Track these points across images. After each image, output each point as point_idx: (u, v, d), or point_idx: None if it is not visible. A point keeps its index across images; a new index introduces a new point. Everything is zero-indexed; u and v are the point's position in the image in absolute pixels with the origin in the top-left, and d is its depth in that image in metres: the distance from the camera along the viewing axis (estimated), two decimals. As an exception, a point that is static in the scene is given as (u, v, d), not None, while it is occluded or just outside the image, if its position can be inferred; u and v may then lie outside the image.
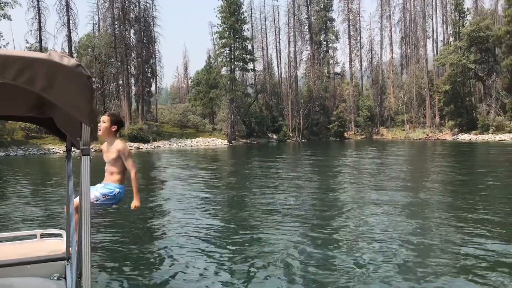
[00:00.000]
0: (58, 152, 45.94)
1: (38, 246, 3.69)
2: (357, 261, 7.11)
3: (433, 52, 77.89)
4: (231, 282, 6.39)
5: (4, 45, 54.09)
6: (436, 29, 79.84)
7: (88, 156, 1.72)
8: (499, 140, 54.50)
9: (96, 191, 4.75)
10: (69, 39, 60.03)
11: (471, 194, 14.25)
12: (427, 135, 68.94)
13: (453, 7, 67.03)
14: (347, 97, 79.31)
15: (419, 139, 67.63)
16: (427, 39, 77.82)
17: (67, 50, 59.36)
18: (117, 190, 4.92)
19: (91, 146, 2.74)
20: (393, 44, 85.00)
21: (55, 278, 3.20)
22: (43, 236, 4.01)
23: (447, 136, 65.57)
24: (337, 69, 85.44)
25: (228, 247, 8.30)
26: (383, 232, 9.09)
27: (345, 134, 76.70)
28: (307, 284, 6.17)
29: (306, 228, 9.77)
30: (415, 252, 7.58)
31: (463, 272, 6.56)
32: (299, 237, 8.82)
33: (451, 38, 69.47)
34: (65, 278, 3.22)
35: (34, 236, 3.96)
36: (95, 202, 4.62)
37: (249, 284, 6.28)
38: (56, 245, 3.76)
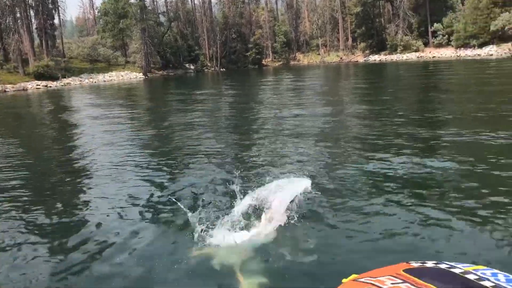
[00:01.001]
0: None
1: None
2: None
3: (345, -27, 78.22)
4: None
5: None
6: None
7: None
8: (406, 59, 57.70)
9: None
10: None
11: (374, 104, 15.15)
12: (341, 58, 71.06)
13: None
14: (263, 23, 78.44)
15: (334, 62, 69.64)
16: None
17: None
18: None
19: None
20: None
21: None
22: None
23: (359, 58, 68.09)
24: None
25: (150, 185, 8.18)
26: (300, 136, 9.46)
27: (263, 62, 76.76)
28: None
29: (230, 154, 9.86)
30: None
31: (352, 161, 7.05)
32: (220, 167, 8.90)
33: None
34: None
35: None
36: None
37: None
38: None
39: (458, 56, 53.27)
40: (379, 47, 66.22)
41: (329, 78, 37.74)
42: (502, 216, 5.39)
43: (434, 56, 56.86)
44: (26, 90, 46.26)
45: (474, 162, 7.61)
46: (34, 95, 39.94)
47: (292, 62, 76.74)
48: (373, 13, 68.59)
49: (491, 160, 7.73)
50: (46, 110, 25.48)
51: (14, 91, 45.19)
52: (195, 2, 78.96)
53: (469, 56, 51.37)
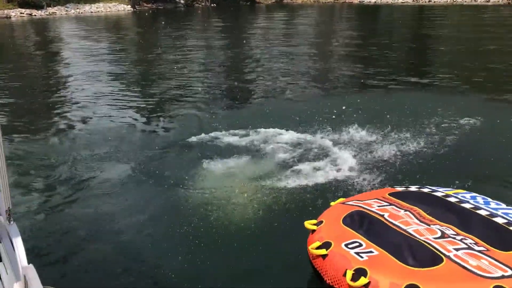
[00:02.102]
0: None
1: None
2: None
3: None
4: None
5: None
6: None
7: None
8: (402, 3, 56.44)
9: None
10: None
11: (362, 47, 15.16)
12: (336, -2, 69.10)
13: None
14: (257, -43, 75.13)
15: (328, 2, 67.76)
16: None
17: None
18: None
19: None
20: None
21: None
22: None
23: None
24: None
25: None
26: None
27: (256, -2, 74.31)
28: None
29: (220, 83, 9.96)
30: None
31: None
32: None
33: None
34: None
35: None
36: None
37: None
38: None
39: (454, 1, 52.24)
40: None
41: (322, 19, 37.01)
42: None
43: (430, 0, 55.67)
44: (10, 18, 44.68)
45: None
46: (17, 23, 38.70)
47: (285, 1, 74.46)
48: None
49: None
50: (30, 40, 24.85)
51: (-4, 19, 43.63)
52: None
53: (466, 1, 50.43)
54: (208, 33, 26.32)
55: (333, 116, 7.19)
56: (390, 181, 4.99)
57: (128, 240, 4.26)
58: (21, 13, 46.75)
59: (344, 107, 7.71)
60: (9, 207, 2.04)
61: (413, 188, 4.10)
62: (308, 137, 6.50)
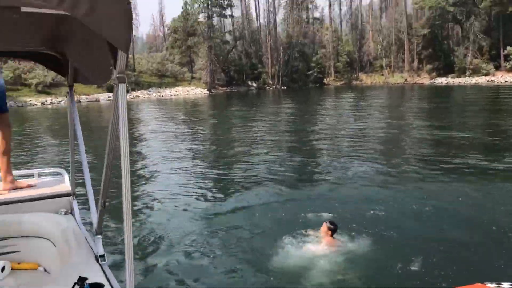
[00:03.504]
0: (35, 104, 45.15)
1: (38, 184, 3.63)
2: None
3: (413, -6, 76.98)
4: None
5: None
6: (416, -30, 78.41)
7: (124, 84, 1.63)
8: (476, 83, 55.49)
9: None
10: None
11: (439, 128, 14.88)
12: (406, 79, 69.55)
13: None
14: (326, 43, 78.57)
15: (398, 83, 68.27)
16: (407, -19, 76.56)
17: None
18: None
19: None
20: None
21: (63, 212, 3.25)
22: (41, 175, 3.90)
23: (425, 80, 66.29)
24: (316, 14, 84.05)
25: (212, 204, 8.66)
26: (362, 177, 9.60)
27: (325, 81, 76.62)
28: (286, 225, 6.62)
29: (288, 181, 10.18)
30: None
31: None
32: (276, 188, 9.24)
33: (431, -20, 68.55)
34: (71, 212, 3.29)
35: (32, 176, 3.85)
36: None
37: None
38: (55, 183, 3.71)
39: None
40: (446, 69, 64.20)
41: (393, 99, 37.15)
42: None
43: (506, 81, 54.30)
44: (99, 101, 49.46)
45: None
46: (105, 105, 42.54)
47: (354, 82, 76.03)
48: (441, 35, 66.79)
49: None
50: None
51: (87, 101, 48.43)
52: (261, 22, 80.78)
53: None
54: (279, 114, 27.32)
55: (406, 206, 7.09)
56: (480, 275, 4.73)
57: None
58: (108, 96, 51.59)
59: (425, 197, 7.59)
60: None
61: (506, 285, 3.89)
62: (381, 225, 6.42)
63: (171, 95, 58.05)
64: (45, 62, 2.95)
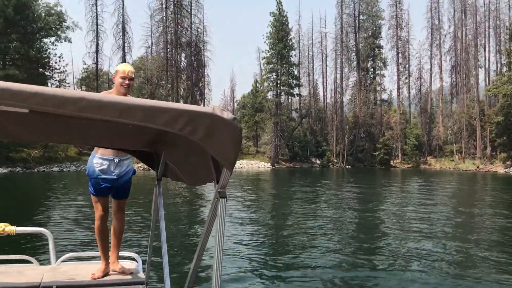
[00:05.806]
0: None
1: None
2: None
3: (485, 81, 75.68)
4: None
5: (63, 66, 57.58)
6: (489, 58, 77.72)
7: (225, 199, 1.74)
8: (556, 175, 51.76)
9: None
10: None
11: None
12: (478, 166, 66.43)
13: (508, 36, 65.26)
14: (394, 125, 77.88)
15: (469, 170, 65.26)
16: (479, 69, 75.80)
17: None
18: None
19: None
20: (442, 72, 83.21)
21: None
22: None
23: (499, 168, 62.92)
24: (384, 96, 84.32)
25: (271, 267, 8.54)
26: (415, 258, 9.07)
27: (391, 162, 74.99)
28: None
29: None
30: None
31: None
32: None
33: (505, 68, 67.38)
34: None
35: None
36: None
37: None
38: (129, 267, 3.81)
39: None
40: (523, 159, 60.81)
41: (462, 187, 35.40)
42: None
43: None
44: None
45: None
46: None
47: (422, 166, 73.70)
48: (517, 123, 64.04)
49: None
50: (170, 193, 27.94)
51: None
52: (327, 101, 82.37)
53: None
54: (341, 193, 26.88)
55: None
56: None
57: None
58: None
59: None
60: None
61: None
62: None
63: (235, 167, 59.18)
64: (137, 155, 3.12)
